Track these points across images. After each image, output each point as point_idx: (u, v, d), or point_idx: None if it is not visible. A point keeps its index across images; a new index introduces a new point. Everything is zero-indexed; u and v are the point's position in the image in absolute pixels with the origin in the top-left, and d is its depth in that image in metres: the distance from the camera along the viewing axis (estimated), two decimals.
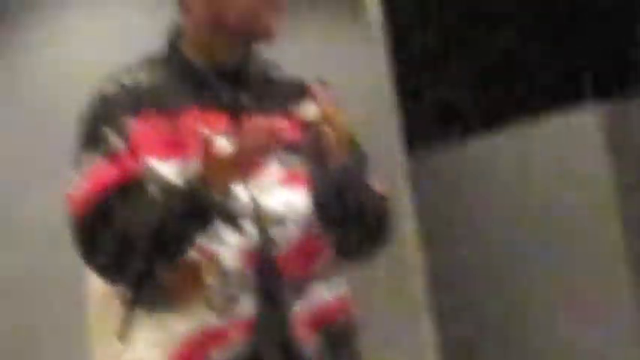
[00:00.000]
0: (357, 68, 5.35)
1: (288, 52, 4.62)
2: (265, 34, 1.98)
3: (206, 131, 1.86)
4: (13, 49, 4.47)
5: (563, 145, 5.49)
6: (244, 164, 1.82)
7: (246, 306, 1.88)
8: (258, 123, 1.80)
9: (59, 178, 2.07)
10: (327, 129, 1.84)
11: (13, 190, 4.32)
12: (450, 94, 6.54)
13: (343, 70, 5.18)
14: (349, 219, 1.93)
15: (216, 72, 1.98)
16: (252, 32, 1.97)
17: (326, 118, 1.84)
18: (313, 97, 1.87)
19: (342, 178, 1.90)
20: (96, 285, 2.04)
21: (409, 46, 6.25)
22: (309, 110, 1.85)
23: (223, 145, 1.81)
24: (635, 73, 6.29)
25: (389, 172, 5.12)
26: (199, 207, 1.81)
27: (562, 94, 6.10)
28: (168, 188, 1.85)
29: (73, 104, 2.15)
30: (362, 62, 5.41)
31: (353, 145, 2.03)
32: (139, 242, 1.82)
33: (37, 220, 4.24)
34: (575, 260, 5.44)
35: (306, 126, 1.85)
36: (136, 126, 1.90)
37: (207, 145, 1.81)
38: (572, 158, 5.43)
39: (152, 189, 1.87)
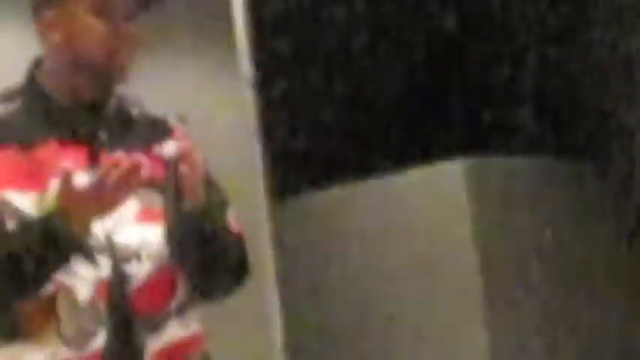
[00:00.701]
0: (224, 108, 5.37)
1: (155, 88, 4.67)
2: (118, 73, 1.99)
3: (64, 166, 1.86)
4: None
5: (427, 195, 5.61)
6: (104, 200, 1.82)
7: (100, 339, 1.88)
8: (118, 159, 1.81)
9: None
10: (184, 167, 1.86)
11: None
12: (319, 140, 6.60)
13: (210, 109, 5.20)
14: (204, 258, 1.96)
15: (75, 106, 1.98)
16: (105, 70, 1.97)
17: (184, 156, 1.86)
18: (173, 134, 1.90)
19: (198, 218, 1.92)
20: None
21: (278, 88, 6.30)
22: (168, 148, 1.87)
23: (82, 180, 1.81)
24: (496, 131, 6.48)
25: (250, 214, 5.15)
26: (58, 242, 1.81)
27: (430, 147, 6.24)
28: (26, 223, 1.84)
29: None
30: (229, 102, 5.43)
31: (211, 184, 2.07)
32: None
33: None
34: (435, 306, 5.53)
35: (165, 163, 1.86)
36: None
37: (65, 181, 1.80)
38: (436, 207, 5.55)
39: (8, 222, 1.85)
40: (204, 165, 1.99)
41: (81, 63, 1.97)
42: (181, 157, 1.86)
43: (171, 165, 1.86)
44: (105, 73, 1.98)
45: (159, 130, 2.04)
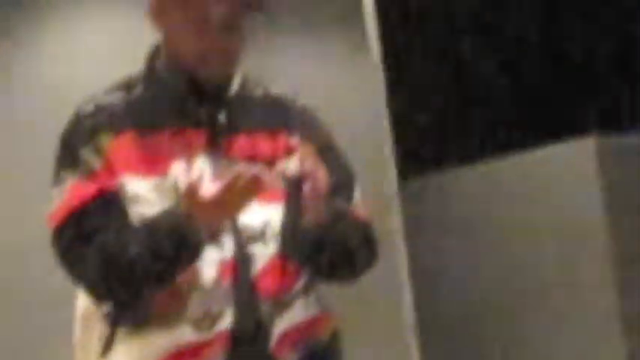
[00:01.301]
0: (354, 89, 5.37)
1: (285, 74, 4.71)
2: (214, 80, 1.99)
3: (191, 176, 1.86)
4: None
5: (557, 176, 5.51)
6: (227, 208, 1.82)
7: (226, 320, 1.89)
8: (241, 171, 1.80)
9: (40, 198, 2.09)
10: (307, 186, 1.84)
11: None
12: (441, 120, 6.56)
13: (339, 91, 5.21)
14: (325, 258, 1.95)
15: (195, 91, 1.99)
16: (201, 75, 1.97)
17: (307, 176, 1.84)
18: (295, 150, 1.88)
19: (318, 232, 1.90)
20: (81, 305, 2.05)
21: (406, 72, 6.27)
22: (291, 165, 1.84)
23: (208, 189, 1.81)
24: (631, 108, 6.32)
25: (379, 195, 5.14)
26: (188, 245, 1.82)
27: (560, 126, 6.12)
28: (153, 223, 1.85)
29: (53, 124, 2.16)
30: (359, 85, 5.43)
31: (341, 169, 2.08)
32: (125, 269, 1.84)
33: (21, 240, 4.23)
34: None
35: (287, 182, 1.84)
36: (113, 145, 1.92)
37: (190, 192, 1.81)
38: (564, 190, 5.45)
39: (130, 208, 1.89)
40: (327, 149, 2.01)
41: (177, 63, 1.99)
42: (304, 176, 1.83)
43: (294, 183, 1.84)
44: (199, 78, 1.98)
45: (283, 114, 2.05)
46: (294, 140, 1.95)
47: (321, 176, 1.86)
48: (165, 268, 1.84)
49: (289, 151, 1.88)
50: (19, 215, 4.17)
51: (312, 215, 1.87)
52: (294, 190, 1.84)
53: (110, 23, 4.71)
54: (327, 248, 1.92)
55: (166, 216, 1.84)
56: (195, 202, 1.79)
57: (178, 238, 1.81)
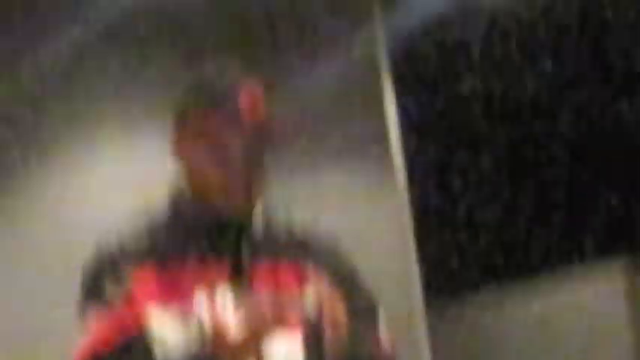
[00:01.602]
0: (379, 216, 5.38)
1: (307, 200, 4.72)
2: (237, 212, 1.98)
3: (217, 314, 1.85)
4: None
5: (586, 302, 5.44)
6: (252, 345, 1.80)
7: None
8: (263, 300, 1.80)
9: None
10: (326, 327, 1.82)
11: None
12: (464, 246, 6.55)
13: (364, 216, 5.22)
14: None
15: (217, 222, 1.98)
16: (223, 208, 1.97)
17: (325, 316, 1.82)
18: (308, 281, 1.87)
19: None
20: None
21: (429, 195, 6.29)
22: (308, 303, 1.83)
23: (232, 327, 1.80)
24: None
25: (405, 322, 5.09)
26: None
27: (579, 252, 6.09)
28: None
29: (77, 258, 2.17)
30: (384, 212, 5.44)
31: (363, 296, 2.04)
32: None
33: None
34: None
35: (306, 323, 1.83)
36: (136, 276, 1.92)
37: (220, 333, 1.80)
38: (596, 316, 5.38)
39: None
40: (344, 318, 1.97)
41: (199, 198, 1.99)
42: (323, 317, 1.81)
43: (314, 324, 1.82)
44: (221, 211, 1.97)
45: (305, 244, 2.05)
46: (310, 270, 1.94)
47: (340, 310, 1.84)
48: None
49: (304, 282, 1.88)
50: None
51: (334, 347, 1.83)
52: (314, 328, 1.82)
53: (130, 154, 4.78)
54: None
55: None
56: (223, 344, 1.78)
57: None
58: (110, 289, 1.91)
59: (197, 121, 1.98)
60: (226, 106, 1.96)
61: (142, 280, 1.91)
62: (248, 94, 1.97)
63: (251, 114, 1.96)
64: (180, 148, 2.01)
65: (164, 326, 1.88)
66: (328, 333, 1.81)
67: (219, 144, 1.95)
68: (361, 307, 2.01)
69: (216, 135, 1.95)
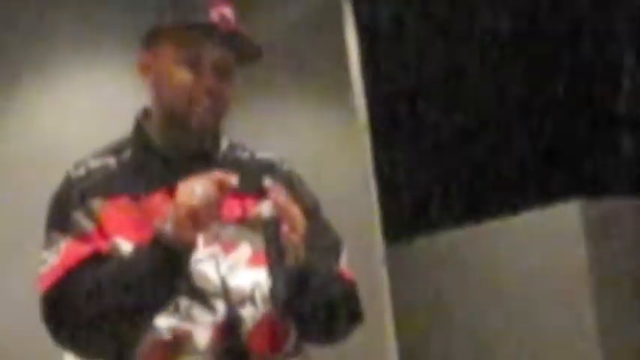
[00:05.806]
0: (340, 152, 5.41)
1: (273, 134, 4.74)
2: (204, 127, 2.01)
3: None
4: None
5: (541, 239, 5.53)
6: (202, 216, 1.82)
7: None
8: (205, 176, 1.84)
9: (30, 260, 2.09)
10: (284, 226, 1.85)
11: None
12: (426, 186, 6.59)
13: (327, 153, 5.25)
14: (310, 310, 1.94)
15: (182, 154, 2.02)
16: (185, 120, 1.99)
17: (282, 216, 1.84)
18: (268, 194, 1.88)
19: (301, 274, 1.88)
20: None
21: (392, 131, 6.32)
22: (264, 208, 1.86)
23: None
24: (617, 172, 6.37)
25: (365, 257, 5.14)
26: (166, 262, 1.82)
27: (543, 191, 6.16)
28: (134, 251, 1.88)
29: (43, 188, 2.18)
30: (346, 148, 5.47)
31: (323, 229, 2.09)
32: (104, 309, 1.84)
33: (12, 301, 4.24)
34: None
35: (263, 224, 1.85)
36: (105, 209, 1.95)
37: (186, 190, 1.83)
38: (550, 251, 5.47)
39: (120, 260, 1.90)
40: (313, 213, 2.02)
41: (167, 113, 2.01)
42: (280, 216, 1.84)
43: (270, 225, 1.85)
44: (182, 123, 2.00)
45: (269, 172, 2.07)
46: (268, 182, 1.94)
47: (297, 214, 1.87)
48: (146, 293, 1.84)
49: (263, 194, 1.89)
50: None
51: (293, 255, 1.86)
52: (271, 232, 1.84)
53: (98, 84, 4.76)
54: (310, 295, 1.91)
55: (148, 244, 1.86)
56: (188, 205, 1.80)
57: (157, 254, 1.81)
58: (80, 220, 1.94)
59: (171, 36, 2.00)
60: (199, 20, 1.98)
61: (111, 214, 1.94)
62: (221, 7, 2.00)
63: (224, 25, 1.98)
64: (152, 65, 2.03)
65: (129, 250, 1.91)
66: (285, 228, 1.84)
67: (192, 53, 1.97)
68: (325, 240, 2.07)
69: (189, 46, 1.97)
